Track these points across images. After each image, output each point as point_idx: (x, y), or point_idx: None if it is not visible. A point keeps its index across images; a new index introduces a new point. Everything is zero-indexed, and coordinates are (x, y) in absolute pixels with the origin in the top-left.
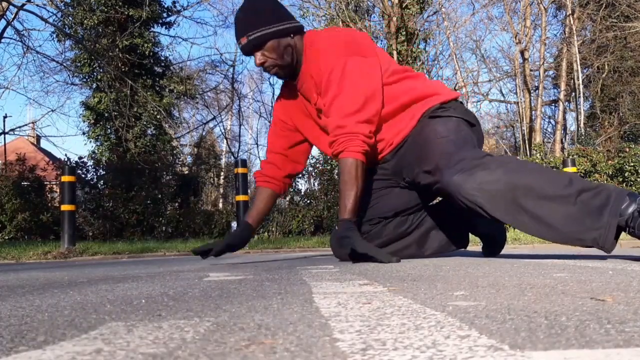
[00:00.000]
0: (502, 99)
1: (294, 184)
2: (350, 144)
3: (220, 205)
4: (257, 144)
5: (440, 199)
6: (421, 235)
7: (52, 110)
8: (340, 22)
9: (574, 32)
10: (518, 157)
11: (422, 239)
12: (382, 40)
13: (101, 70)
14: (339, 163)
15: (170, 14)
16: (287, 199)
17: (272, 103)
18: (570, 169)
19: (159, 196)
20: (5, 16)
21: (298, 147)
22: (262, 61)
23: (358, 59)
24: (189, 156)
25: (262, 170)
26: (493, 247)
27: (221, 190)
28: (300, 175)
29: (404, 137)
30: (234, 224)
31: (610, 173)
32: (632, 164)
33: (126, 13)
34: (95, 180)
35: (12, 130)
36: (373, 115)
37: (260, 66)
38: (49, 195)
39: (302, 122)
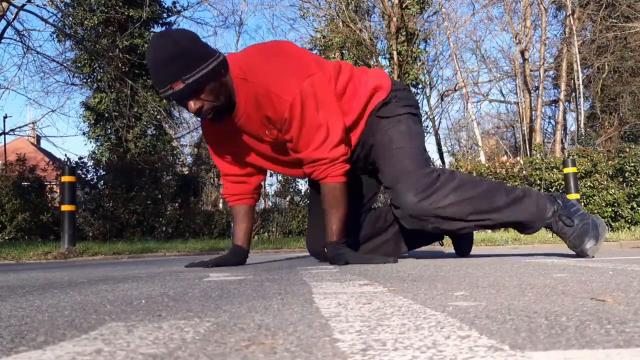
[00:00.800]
0: (502, 99)
1: (294, 184)
2: (330, 170)
3: (220, 205)
4: None
5: None
6: (397, 231)
7: (52, 111)
8: (341, 23)
9: (574, 32)
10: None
11: (398, 236)
12: (382, 41)
13: (101, 71)
14: (322, 187)
15: (170, 14)
16: (287, 199)
17: None
18: (570, 170)
19: (159, 196)
20: (5, 16)
21: (249, 168)
22: (199, 106)
23: (308, 83)
24: (189, 156)
25: (230, 190)
26: (462, 246)
27: (221, 191)
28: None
29: (357, 138)
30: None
31: (611, 173)
32: (632, 164)
33: (126, 13)
34: (95, 180)
35: (12, 130)
36: (342, 133)
37: (195, 112)
38: (49, 195)
39: (240, 150)
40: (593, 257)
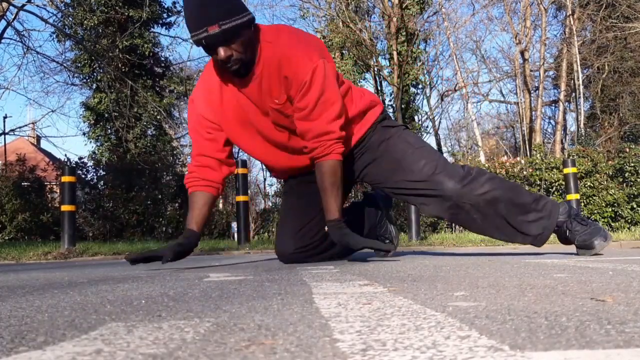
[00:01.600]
0: (502, 99)
1: None
2: (336, 147)
3: (220, 205)
4: None
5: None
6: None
7: (52, 111)
8: (341, 23)
9: (574, 32)
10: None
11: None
12: (382, 41)
13: (101, 71)
14: (322, 165)
15: (170, 14)
16: None
17: None
18: (570, 170)
19: (159, 196)
20: (5, 17)
21: (226, 148)
22: (229, 55)
23: (330, 64)
24: (189, 156)
25: (199, 173)
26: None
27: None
28: None
29: (356, 141)
30: (234, 225)
31: (611, 173)
32: (632, 165)
33: (126, 13)
34: (95, 180)
35: (12, 130)
36: (347, 117)
37: (225, 60)
38: (49, 195)
39: (232, 124)
40: (600, 254)
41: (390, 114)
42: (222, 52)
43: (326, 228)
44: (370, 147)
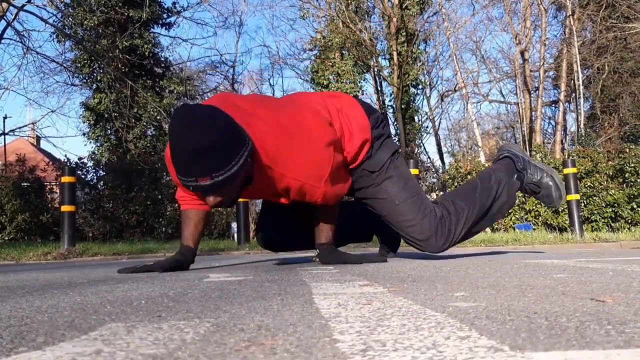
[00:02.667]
0: (502, 99)
1: None
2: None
3: None
4: None
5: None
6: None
7: (52, 111)
8: (341, 23)
9: (574, 32)
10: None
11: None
12: (382, 41)
13: (101, 71)
14: (325, 205)
15: (170, 14)
16: None
17: None
18: (570, 170)
19: (159, 197)
20: (5, 17)
21: None
22: (218, 201)
23: (329, 188)
24: None
25: (190, 194)
26: (391, 245)
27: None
28: None
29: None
30: (234, 225)
31: (611, 174)
32: (632, 165)
33: (126, 14)
34: (95, 181)
35: (12, 130)
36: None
37: (213, 206)
38: (48, 196)
39: None
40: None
41: (390, 115)
42: (211, 199)
43: (316, 253)
44: (357, 182)
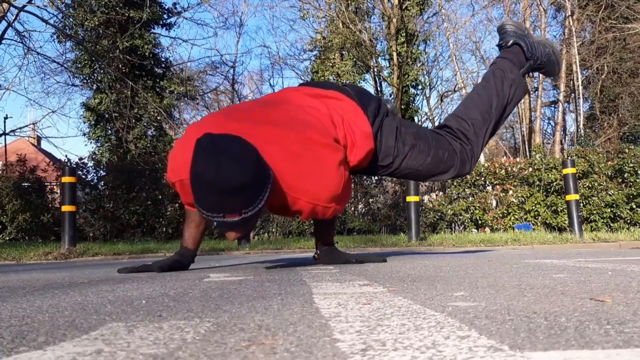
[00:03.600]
0: None
1: None
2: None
3: None
4: None
5: None
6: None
7: (53, 111)
8: (341, 24)
9: (574, 33)
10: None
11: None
12: (382, 42)
13: (102, 72)
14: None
15: (170, 15)
16: None
17: None
18: (569, 170)
19: (160, 197)
20: (6, 17)
21: None
22: (239, 236)
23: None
24: None
25: None
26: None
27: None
28: None
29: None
30: None
31: (610, 174)
32: (631, 165)
33: (127, 14)
34: (95, 181)
35: (13, 131)
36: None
37: (233, 240)
38: (49, 196)
39: None
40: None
41: None
42: (232, 235)
43: (318, 252)
44: (376, 169)
